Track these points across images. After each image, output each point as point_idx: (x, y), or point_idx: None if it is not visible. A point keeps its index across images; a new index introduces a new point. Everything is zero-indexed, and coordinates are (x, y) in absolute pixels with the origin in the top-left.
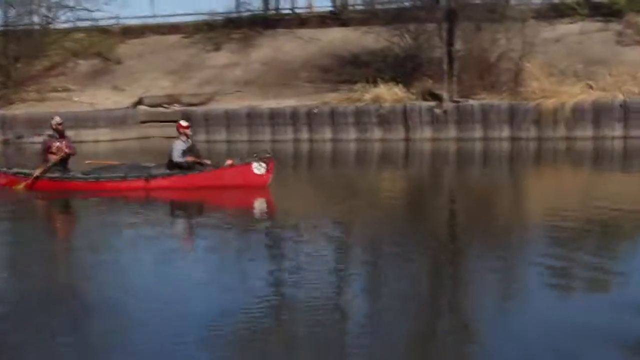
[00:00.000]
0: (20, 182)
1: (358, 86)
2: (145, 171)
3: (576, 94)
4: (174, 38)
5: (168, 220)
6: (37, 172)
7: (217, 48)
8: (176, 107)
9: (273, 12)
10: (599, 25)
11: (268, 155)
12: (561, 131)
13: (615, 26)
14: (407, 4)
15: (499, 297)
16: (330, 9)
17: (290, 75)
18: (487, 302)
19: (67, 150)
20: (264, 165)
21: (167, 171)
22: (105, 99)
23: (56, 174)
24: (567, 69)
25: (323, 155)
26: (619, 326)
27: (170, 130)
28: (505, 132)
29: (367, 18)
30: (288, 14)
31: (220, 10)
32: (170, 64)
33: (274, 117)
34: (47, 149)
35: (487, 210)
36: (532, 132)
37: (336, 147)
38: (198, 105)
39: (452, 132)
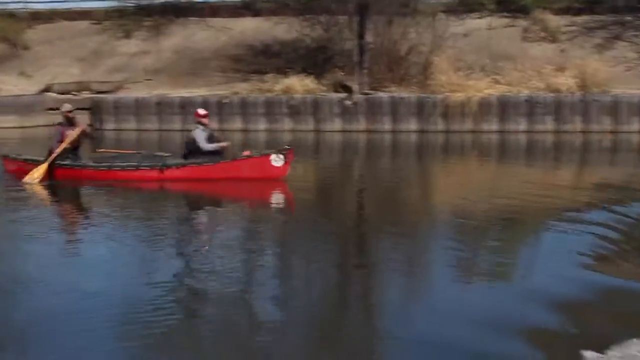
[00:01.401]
0: (30, 170)
1: (269, 77)
2: (160, 161)
3: (483, 88)
4: (83, 24)
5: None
6: (49, 160)
7: (128, 35)
8: (85, 95)
9: (185, 0)
10: (506, 20)
11: (287, 147)
12: (468, 124)
13: (522, 22)
14: None
15: (405, 289)
16: None
17: (201, 64)
18: (393, 294)
19: (85, 129)
20: (282, 156)
21: (182, 161)
22: (12, 85)
23: (67, 162)
24: (475, 64)
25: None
26: (517, 315)
27: (78, 117)
28: (414, 125)
29: (278, 8)
30: (200, 3)
31: None
32: (79, 50)
33: (185, 107)
34: (61, 138)
35: (395, 202)
36: (440, 125)
37: (246, 137)
38: (108, 93)
39: (361, 124)
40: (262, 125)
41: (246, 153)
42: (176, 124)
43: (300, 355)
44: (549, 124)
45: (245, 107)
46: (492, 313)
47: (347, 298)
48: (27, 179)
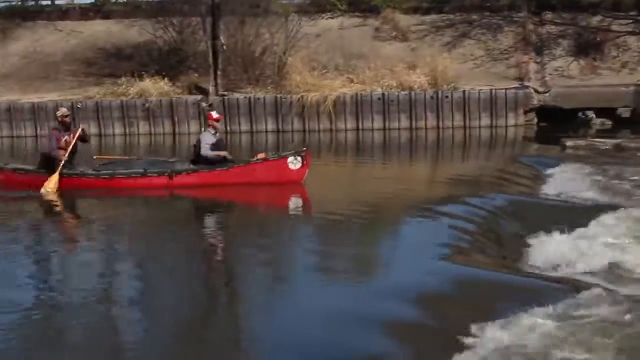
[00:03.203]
0: (20, 180)
1: (123, 80)
2: (168, 167)
3: (337, 88)
4: None
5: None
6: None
7: None
8: None
9: (32, 3)
10: (357, 20)
11: (305, 148)
12: (324, 123)
13: (373, 22)
14: None
15: (268, 290)
16: (92, 1)
17: (52, 68)
18: (257, 294)
19: (79, 133)
20: (299, 158)
21: (193, 167)
22: None
23: (62, 170)
24: (329, 63)
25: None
26: (379, 310)
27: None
28: (271, 125)
29: (130, 11)
30: (48, 6)
31: None
32: None
33: (36, 112)
34: (58, 144)
35: (256, 203)
36: (297, 125)
37: (102, 141)
38: None
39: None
40: (117, 129)
41: (261, 155)
42: (28, 129)
43: None
44: (403, 121)
45: (99, 112)
46: (355, 310)
47: (211, 300)
48: (42, 189)
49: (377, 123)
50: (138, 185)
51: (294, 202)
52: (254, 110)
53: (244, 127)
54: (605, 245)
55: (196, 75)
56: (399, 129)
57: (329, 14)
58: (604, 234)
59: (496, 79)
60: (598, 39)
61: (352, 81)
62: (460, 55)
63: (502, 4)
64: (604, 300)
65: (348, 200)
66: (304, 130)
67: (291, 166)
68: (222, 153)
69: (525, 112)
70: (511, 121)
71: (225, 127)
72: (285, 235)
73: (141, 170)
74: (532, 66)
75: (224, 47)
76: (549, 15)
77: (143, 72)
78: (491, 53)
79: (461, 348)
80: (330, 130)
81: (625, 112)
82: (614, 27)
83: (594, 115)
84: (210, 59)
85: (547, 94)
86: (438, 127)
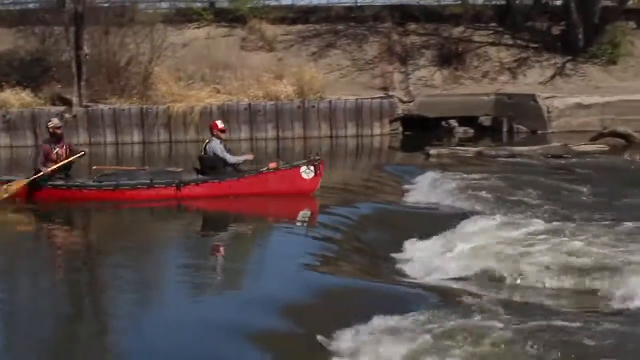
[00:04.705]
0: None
1: None
2: (175, 177)
3: (204, 98)
4: None
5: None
6: (31, 178)
7: None
8: None
9: None
10: (224, 30)
11: (318, 157)
12: (191, 134)
13: (240, 32)
14: (31, 5)
15: (138, 305)
16: None
17: None
18: (125, 310)
19: (78, 155)
20: (313, 168)
21: (202, 177)
22: None
23: (59, 182)
24: (195, 74)
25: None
26: (246, 321)
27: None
28: (137, 137)
29: None
30: None
31: None
32: None
33: None
34: (46, 156)
35: (120, 219)
36: (163, 136)
37: None
38: None
39: (82, 137)
40: None
41: (272, 165)
42: None
43: None
44: (270, 131)
45: None
46: (223, 321)
47: (79, 317)
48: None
49: (244, 133)
50: (144, 197)
51: (159, 218)
52: (119, 122)
53: (109, 138)
54: (470, 251)
55: (59, 85)
56: (265, 139)
57: (195, 23)
58: (469, 241)
59: (362, 88)
60: (460, 49)
61: (218, 91)
62: (327, 65)
63: (367, 15)
64: (471, 306)
65: (215, 213)
66: (170, 142)
67: (304, 176)
68: (249, 156)
69: (391, 122)
70: (377, 130)
71: (90, 139)
72: (153, 253)
73: (147, 181)
74: (397, 76)
75: (88, 57)
76: (412, 26)
77: (3, 83)
78: (357, 63)
79: (325, 355)
80: (197, 141)
81: (486, 121)
82: (475, 38)
83: (456, 124)
84: (74, 69)
85: (411, 104)
86: (305, 137)
